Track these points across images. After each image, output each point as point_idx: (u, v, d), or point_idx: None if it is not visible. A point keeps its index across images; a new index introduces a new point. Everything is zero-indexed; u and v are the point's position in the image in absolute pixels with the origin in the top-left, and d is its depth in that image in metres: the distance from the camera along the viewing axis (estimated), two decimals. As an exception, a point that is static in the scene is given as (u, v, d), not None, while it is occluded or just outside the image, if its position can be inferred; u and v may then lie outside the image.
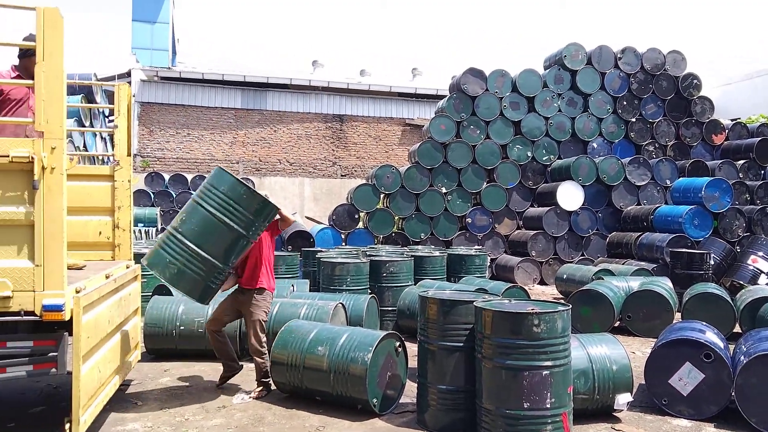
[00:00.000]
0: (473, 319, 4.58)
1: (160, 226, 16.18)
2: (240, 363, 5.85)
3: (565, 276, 11.06)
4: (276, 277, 9.61)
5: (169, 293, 7.55)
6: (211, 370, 6.25)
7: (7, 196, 3.69)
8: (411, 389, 5.37)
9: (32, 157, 3.66)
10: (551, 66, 15.57)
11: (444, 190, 14.35)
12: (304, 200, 21.27)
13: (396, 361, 5.31)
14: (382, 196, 14.40)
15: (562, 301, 10.16)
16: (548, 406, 4.20)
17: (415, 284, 8.81)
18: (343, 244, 13.85)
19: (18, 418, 4.91)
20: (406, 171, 14.33)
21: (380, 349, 5.09)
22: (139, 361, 5.87)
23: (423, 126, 17.15)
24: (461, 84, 14.73)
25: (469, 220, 14.45)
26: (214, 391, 5.63)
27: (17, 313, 3.70)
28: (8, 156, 3.64)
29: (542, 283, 13.75)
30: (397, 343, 5.34)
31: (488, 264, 12.12)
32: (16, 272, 3.69)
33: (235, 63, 26.92)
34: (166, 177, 18.28)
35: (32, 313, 3.70)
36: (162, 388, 5.75)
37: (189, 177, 18.65)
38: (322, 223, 16.28)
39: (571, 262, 13.18)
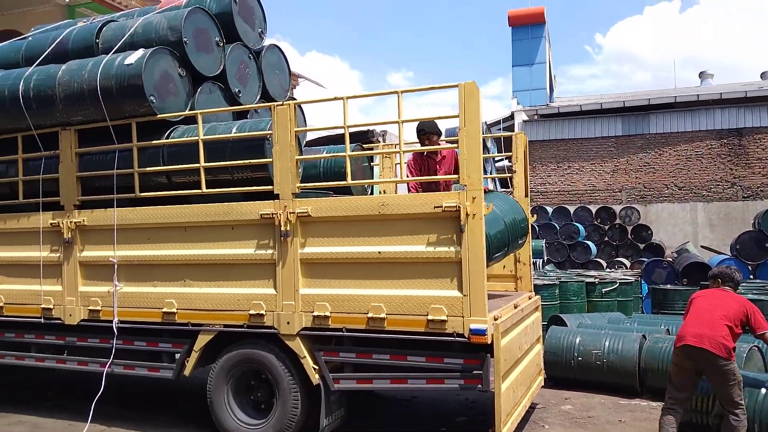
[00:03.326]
0: None
1: (545, 258, 16.83)
2: None
3: None
4: (672, 313, 9.13)
5: (564, 323, 7.87)
6: (611, 404, 6.28)
7: (441, 238, 4.54)
8: None
9: (458, 206, 4.43)
10: None
11: None
12: (698, 227, 19.28)
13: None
14: (802, 219, 12.10)
15: None
16: None
17: None
18: (751, 276, 12.08)
19: (447, 424, 5.83)
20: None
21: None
22: (542, 387, 6.30)
23: None
24: None
25: None
26: (616, 424, 5.64)
27: (450, 335, 4.47)
28: (441, 206, 4.49)
29: None
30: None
31: None
32: (449, 300, 4.47)
33: (613, 90, 26.47)
34: (549, 210, 18.97)
35: (462, 335, 4.42)
36: (565, 415, 6.03)
37: (571, 209, 18.96)
38: (722, 254, 14.52)
39: None
